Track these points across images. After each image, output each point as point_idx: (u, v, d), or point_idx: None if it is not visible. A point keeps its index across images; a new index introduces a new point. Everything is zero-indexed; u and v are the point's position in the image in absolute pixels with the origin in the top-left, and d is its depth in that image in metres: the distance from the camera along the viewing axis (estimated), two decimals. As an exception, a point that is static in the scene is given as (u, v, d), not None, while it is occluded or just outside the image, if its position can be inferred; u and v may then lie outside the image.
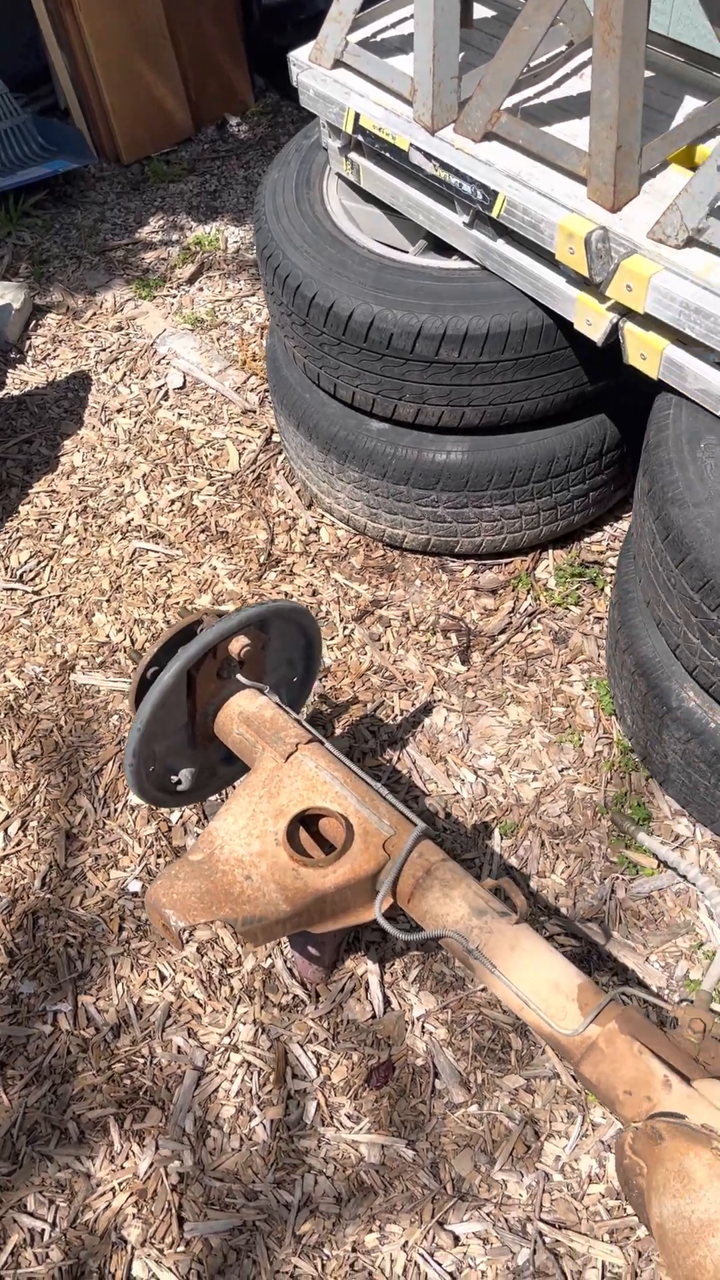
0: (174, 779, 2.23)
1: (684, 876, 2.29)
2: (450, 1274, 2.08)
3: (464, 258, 2.70)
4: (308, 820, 1.99)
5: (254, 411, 3.69)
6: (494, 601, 3.11)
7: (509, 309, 2.55)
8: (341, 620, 3.09)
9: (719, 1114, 1.55)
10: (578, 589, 3.12)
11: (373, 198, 2.85)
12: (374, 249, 2.76)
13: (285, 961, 2.47)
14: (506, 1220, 2.13)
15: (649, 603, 2.42)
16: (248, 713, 2.13)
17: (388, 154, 2.61)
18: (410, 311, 2.57)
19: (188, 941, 2.50)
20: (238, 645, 2.09)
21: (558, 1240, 2.10)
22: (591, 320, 2.38)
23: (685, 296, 2.12)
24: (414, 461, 2.88)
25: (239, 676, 2.16)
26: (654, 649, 2.49)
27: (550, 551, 3.20)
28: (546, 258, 2.43)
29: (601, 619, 3.04)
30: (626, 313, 2.31)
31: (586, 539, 3.23)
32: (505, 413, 2.74)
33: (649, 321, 2.27)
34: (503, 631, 3.05)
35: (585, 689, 2.91)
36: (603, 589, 3.11)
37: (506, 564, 3.18)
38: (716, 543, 2.08)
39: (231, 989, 2.44)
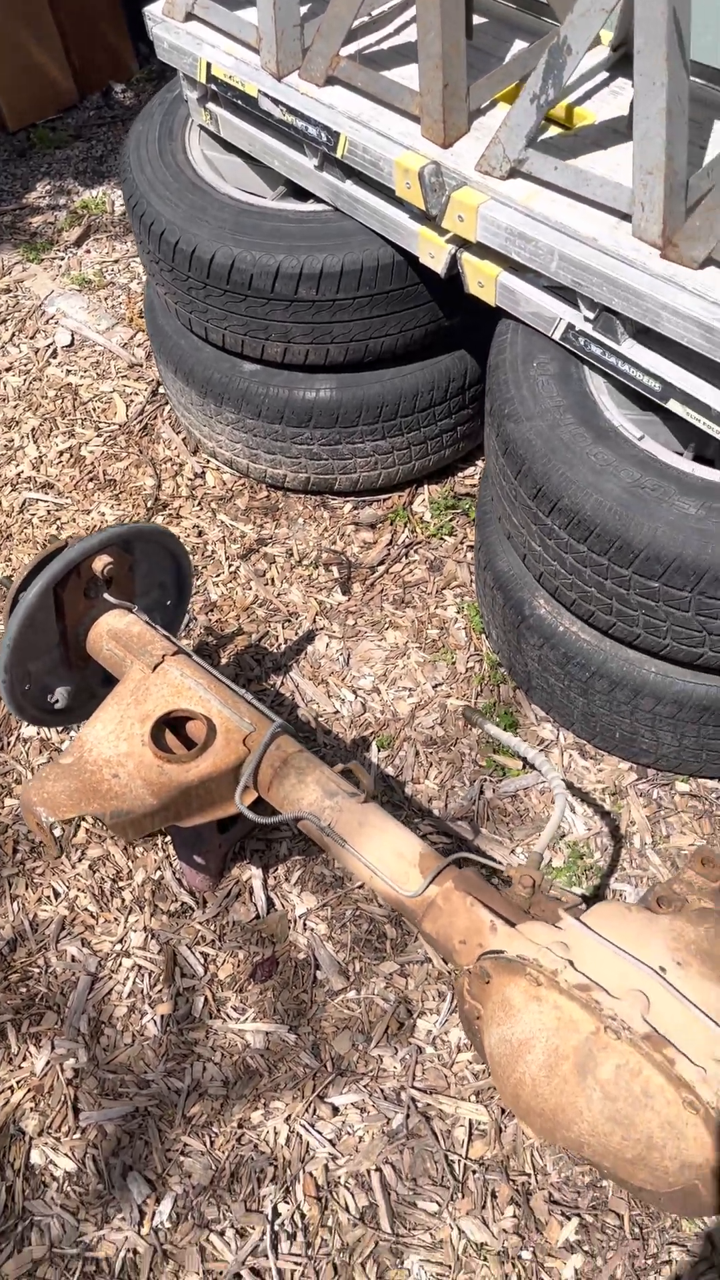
0: (51, 698, 2.35)
1: (524, 758, 2.45)
2: (330, 1141, 2.24)
3: (319, 201, 2.82)
4: (174, 723, 2.13)
5: (140, 365, 3.79)
6: (373, 535, 3.26)
7: (361, 247, 2.68)
8: (227, 558, 3.22)
9: (536, 947, 1.71)
10: (451, 520, 3.27)
11: (233, 146, 2.96)
12: (234, 195, 2.87)
13: (174, 873, 2.60)
14: (382, 1091, 2.29)
15: (500, 519, 2.59)
16: (116, 629, 2.26)
17: (240, 102, 2.72)
18: (268, 252, 2.69)
19: (65, 846, 2.62)
20: (101, 563, 2.21)
21: (429, 1104, 2.27)
22: (433, 253, 2.52)
23: (510, 223, 2.27)
24: (286, 400, 3.01)
25: (106, 596, 2.28)
26: (508, 564, 2.65)
27: (425, 486, 3.35)
28: (390, 195, 2.57)
29: (474, 547, 3.20)
30: (463, 243, 2.46)
31: (459, 474, 3.38)
32: (367, 349, 2.88)
33: (482, 250, 2.42)
34: (381, 563, 3.20)
35: (458, 612, 3.07)
36: (474, 519, 3.27)
37: (384, 500, 3.33)
38: (547, 452, 2.24)
39: (123, 900, 2.57)
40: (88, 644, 2.30)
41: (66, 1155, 2.23)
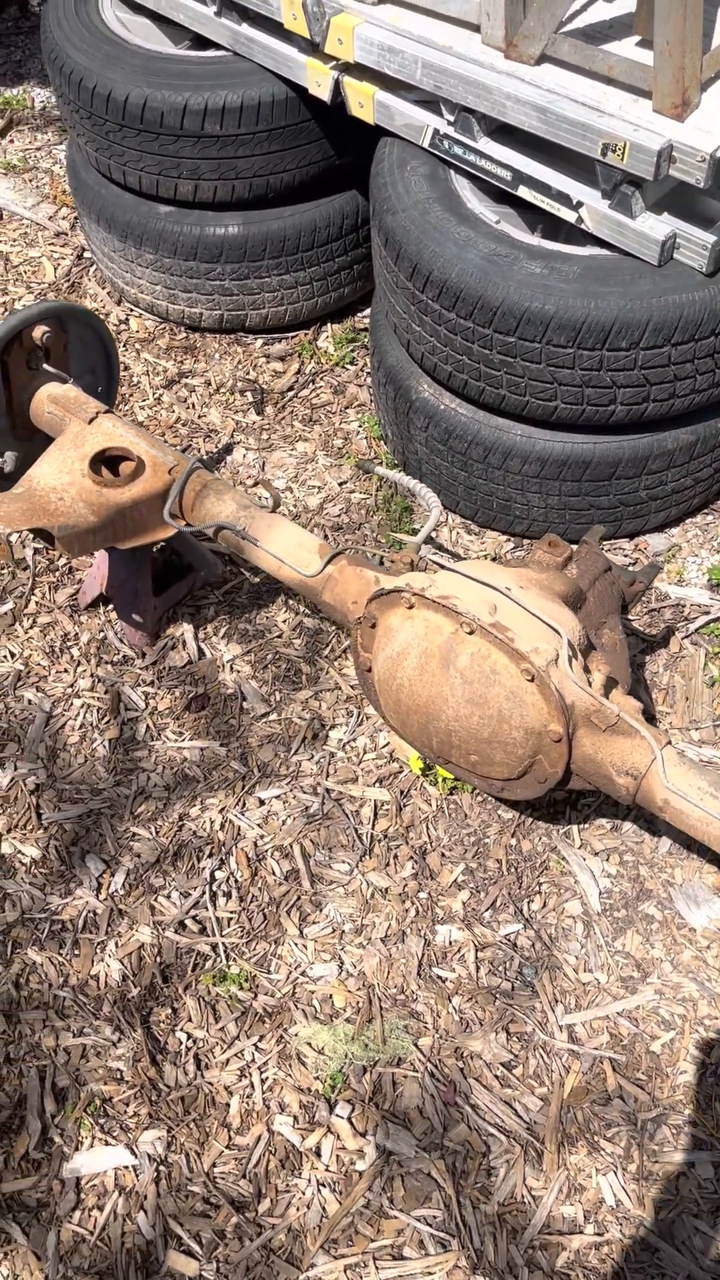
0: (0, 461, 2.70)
1: (406, 486, 2.82)
2: (258, 824, 2.65)
3: (220, 49, 3.19)
4: (109, 461, 2.50)
5: (66, 234, 4.12)
6: (283, 366, 3.64)
7: (258, 84, 3.06)
8: (152, 388, 3.58)
9: (409, 579, 2.12)
10: (351, 352, 3.67)
11: (140, 7, 3.31)
12: (144, 45, 3.23)
13: (115, 633, 2.98)
14: (300, 786, 2.71)
15: (387, 314, 2.99)
16: (55, 395, 2.62)
17: (145, -43, 3.07)
18: (176, 91, 3.05)
19: (16, 555, 2.98)
20: (40, 332, 2.57)
21: (340, 792, 2.69)
22: (320, 81, 2.91)
23: (381, 40, 2.67)
24: (198, 237, 3.38)
25: (46, 367, 2.64)
26: (396, 357, 3.06)
27: (329, 325, 3.74)
28: (281, 32, 2.95)
29: (369, 352, 3.61)
30: (345, 68, 2.85)
31: (358, 314, 3.78)
32: (269, 185, 3.26)
33: (360, 71, 2.81)
34: (290, 389, 3.59)
35: (359, 425, 3.48)
36: (369, 330, 3.68)
37: (292, 337, 3.71)
38: (419, 235, 2.65)
39: (71, 655, 2.94)
40: (31, 412, 2.66)
41: (32, 845, 2.61)
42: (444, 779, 2.65)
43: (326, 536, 3.19)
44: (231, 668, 2.92)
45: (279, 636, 2.98)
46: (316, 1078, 2.29)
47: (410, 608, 2.08)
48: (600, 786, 2.08)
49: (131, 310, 3.81)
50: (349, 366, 3.64)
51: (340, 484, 3.32)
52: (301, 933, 2.49)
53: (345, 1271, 2.06)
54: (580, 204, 2.56)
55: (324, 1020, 2.37)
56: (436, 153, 2.78)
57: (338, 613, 2.31)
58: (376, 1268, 2.06)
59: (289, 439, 3.45)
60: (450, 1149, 2.20)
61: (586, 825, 2.64)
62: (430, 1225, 2.11)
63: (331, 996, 2.40)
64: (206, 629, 2.99)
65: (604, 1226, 2.11)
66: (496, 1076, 2.30)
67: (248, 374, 3.62)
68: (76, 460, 2.46)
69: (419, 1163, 2.18)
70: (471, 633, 2.00)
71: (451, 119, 2.68)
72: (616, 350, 2.54)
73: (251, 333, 3.70)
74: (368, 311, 3.80)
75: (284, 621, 3.01)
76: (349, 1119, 2.24)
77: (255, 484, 2.47)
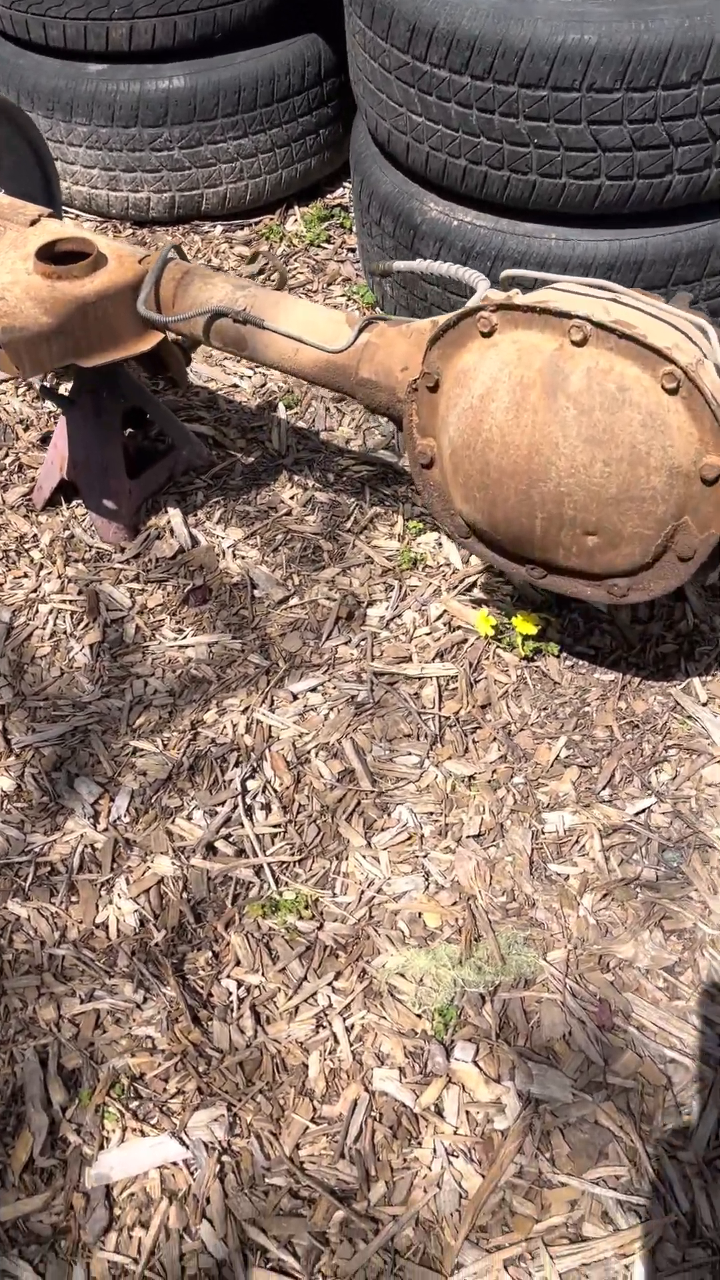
0: None
1: (441, 274, 2.30)
2: (293, 721, 2.06)
3: None
4: (61, 259, 1.95)
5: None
6: (249, 250, 3.15)
7: None
8: (99, 286, 3.06)
9: (486, 294, 1.58)
10: (326, 231, 3.19)
11: None
12: None
13: (85, 529, 2.40)
14: (341, 674, 2.13)
15: (375, 129, 2.51)
16: (-14, 204, 2.08)
17: None
18: None
19: None
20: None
21: (394, 674, 2.12)
22: None
23: None
24: (139, 95, 2.90)
25: (-29, 173, 2.11)
26: (391, 182, 2.58)
27: (296, 207, 3.27)
28: None
29: (353, 250, 3.13)
30: None
31: (328, 194, 3.32)
32: (216, 21, 2.80)
33: None
34: (260, 272, 3.08)
35: (347, 298, 2.98)
36: (350, 227, 3.20)
37: (255, 222, 3.23)
38: (414, -10, 2.18)
39: (31, 559, 2.36)
40: (-42, 232, 2.11)
41: (3, 775, 1.99)
42: (524, 636, 2.09)
43: (328, 409, 2.67)
44: (235, 553, 2.35)
45: (288, 514, 2.42)
46: (420, 1015, 1.68)
47: (490, 333, 1.55)
48: (771, 547, 1.54)
49: (66, 213, 3.30)
50: (325, 246, 3.16)
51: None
52: (369, 842, 1.90)
53: (506, 1268, 1.43)
54: None
55: (417, 944, 1.76)
56: None
57: (382, 392, 1.77)
58: (551, 1256, 1.44)
59: (267, 321, 2.93)
60: (619, 1086, 1.59)
61: (710, 677, 2.09)
62: (615, 1189, 1.49)
63: (421, 915, 1.80)
64: (197, 515, 2.43)
65: None
66: (661, 987, 1.70)
67: (209, 261, 3.12)
68: (19, 260, 1.91)
69: (580, 1108, 1.57)
70: (584, 341, 1.46)
71: None
72: (675, 88, 2.07)
73: (209, 219, 3.21)
74: (339, 192, 3.34)
75: (292, 498, 2.46)
76: (475, 1062, 1.62)
77: (254, 257, 1.96)
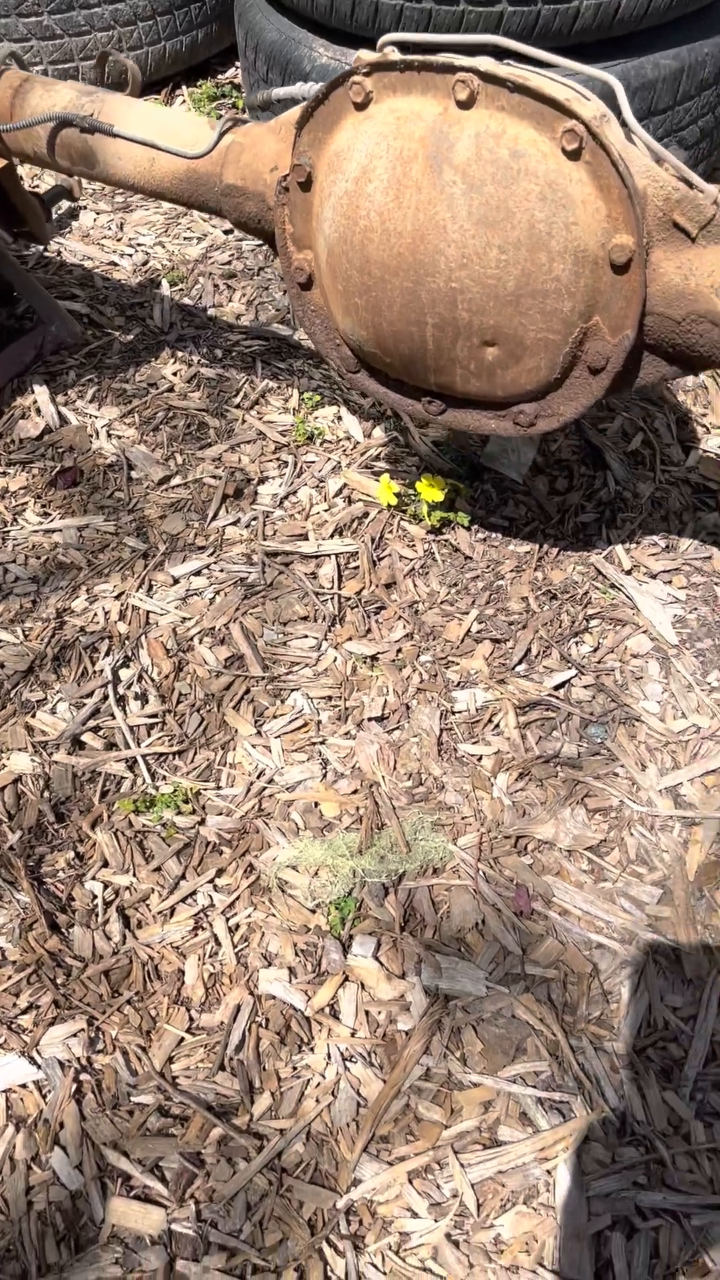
0: None
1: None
2: (174, 606, 1.83)
3: None
4: None
5: None
6: (132, 131, 2.88)
7: None
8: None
9: (359, 55, 1.36)
10: (217, 111, 2.94)
11: None
12: None
13: (-59, 413, 2.14)
14: (229, 556, 1.90)
15: (258, -35, 2.27)
16: None
17: None
18: None
19: None
20: None
21: (288, 553, 1.90)
22: None
23: None
24: (0, -50, 2.62)
25: None
26: (276, 29, 2.34)
27: (184, 87, 3.01)
28: None
29: (240, 54, 2.88)
30: None
31: (218, 74, 3.07)
32: None
33: None
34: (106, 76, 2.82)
35: (240, 178, 2.73)
36: (242, 108, 2.95)
37: (140, 103, 2.96)
38: None
39: None
40: None
41: None
42: (430, 505, 1.88)
43: (216, 286, 2.43)
44: (109, 433, 2.11)
45: (170, 391, 2.18)
46: (314, 910, 1.47)
47: (364, 104, 1.32)
48: (692, 344, 1.34)
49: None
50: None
51: (227, 233, 2.56)
52: (260, 731, 1.68)
53: (412, 1180, 1.24)
54: None
55: (313, 836, 1.55)
56: None
57: (251, 200, 1.53)
58: (462, 1164, 1.24)
59: (149, 204, 2.68)
60: (539, 976, 1.40)
61: (634, 544, 1.90)
62: (534, 1086, 1.30)
63: (318, 805, 1.59)
64: (68, 394, 2.18)
65: None
66: (585, 869, 1.51)
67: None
68: None
69: (495, 1001, 1.38)
70: (471, 101, 1.25)
71: None
72: None
73: (88, 99, 2.93)
74: (230, 73, 3.08)
75: (175, 374, 2.22)
76: (376, 958, 1.42)
77: (101, 56, 1.74)
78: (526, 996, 1.38)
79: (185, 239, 2.55)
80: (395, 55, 1.29)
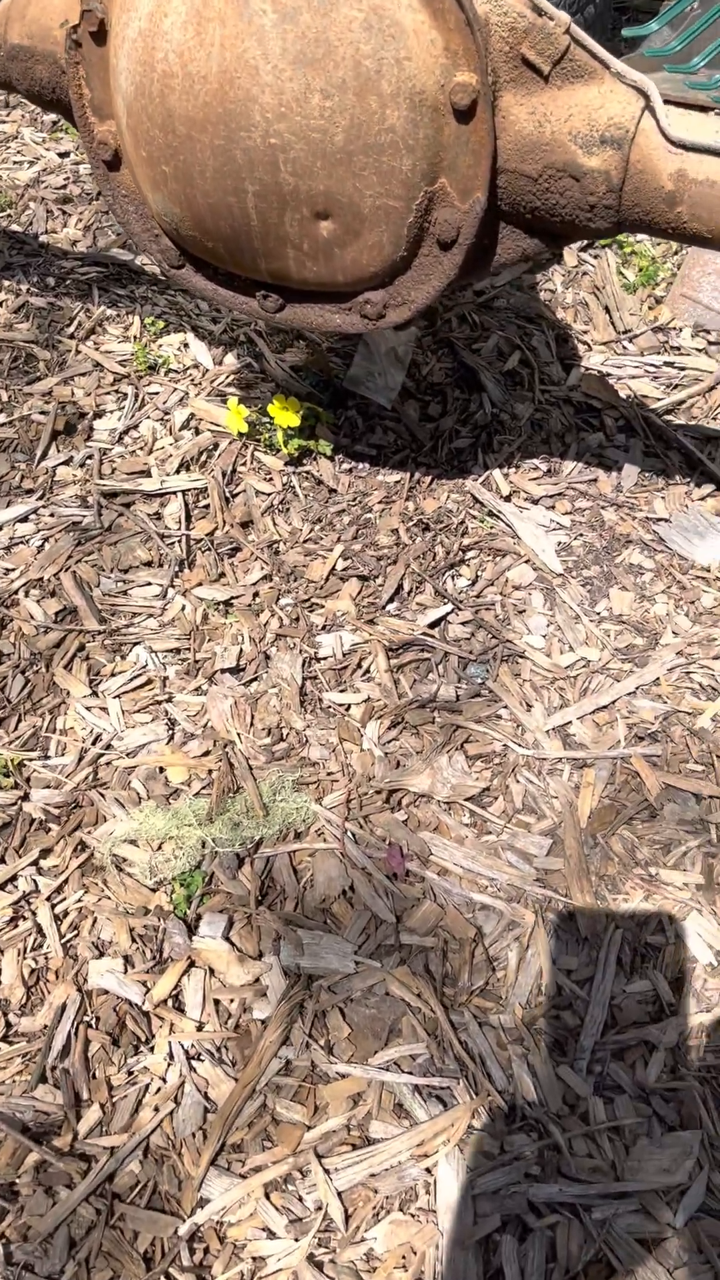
0: None
1: None
2: (9, 528, 1.60)
3: None
4: None
5: None
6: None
7: None
8: None
9: None
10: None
11: None
12: None
13: None
14: (60, 499, 1.68)
15: None
16: None
17: None
18: None
19: None
20: None
21: (128, 492, 1.68)
22: None
23: None
24: None
25: None
26: None
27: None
28: None
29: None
30: None
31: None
32: None
33: None
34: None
35: (79, 100, 2.49)
36: None
37: None
38: None
39: None
40: None
41: None
42: (287, 433, 1.68)
43: (50, 212, 2.19)
44: None
45: (-6, 328, 1.94)
46: (155, 888, 1.26)
47: None
48: (552, 206, 1.16)
49: None
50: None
51: (62, 156, 2.32)
52: (95, 691, 1.46)
53: (269, 1194, 1.04)
54: None
55: (156, 805, 1.35)
56: None
57: (41, 62, 1.31)
58: (327, 1170, 1.06)
59: (-19, 128, 2.42)
60: (416, 946, 1.22)
61: (512, 469, 1.73)
62: (411, 1072, 1.12)
63: (163, 770, 1.39)
64: None
65: (705, 997, 1.18)
66: (466, 822, 1.33)
67: None
68: None
69: (365, 978, 1.19)
70: None
71: None
72: None
73: None
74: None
75: (0, 304, 1.98)
76: (227, 938, 1.22)
77: None
78: (401, 970, 1.19)
79: (15, 163, 2.30)
80: None
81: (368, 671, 1.49)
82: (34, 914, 1.24)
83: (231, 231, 1.22)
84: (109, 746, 1.41)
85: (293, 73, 1.08)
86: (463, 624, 1.54)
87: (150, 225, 1.34)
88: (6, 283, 2.01)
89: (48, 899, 1.26)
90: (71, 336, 1.91)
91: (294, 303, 1.33)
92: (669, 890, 1.25)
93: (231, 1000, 1.17)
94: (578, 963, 1.20)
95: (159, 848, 1.30)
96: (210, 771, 1.38)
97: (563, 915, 1.24)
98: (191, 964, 1.20)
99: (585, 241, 2.08)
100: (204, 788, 1.37)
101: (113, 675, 1.49)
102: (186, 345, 1.90)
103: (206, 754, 1.40)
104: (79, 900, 1.26)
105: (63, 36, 1.25)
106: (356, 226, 1.18)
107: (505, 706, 1.45)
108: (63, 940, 1.22)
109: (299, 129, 1.10)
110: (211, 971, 1.20)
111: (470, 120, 1.09)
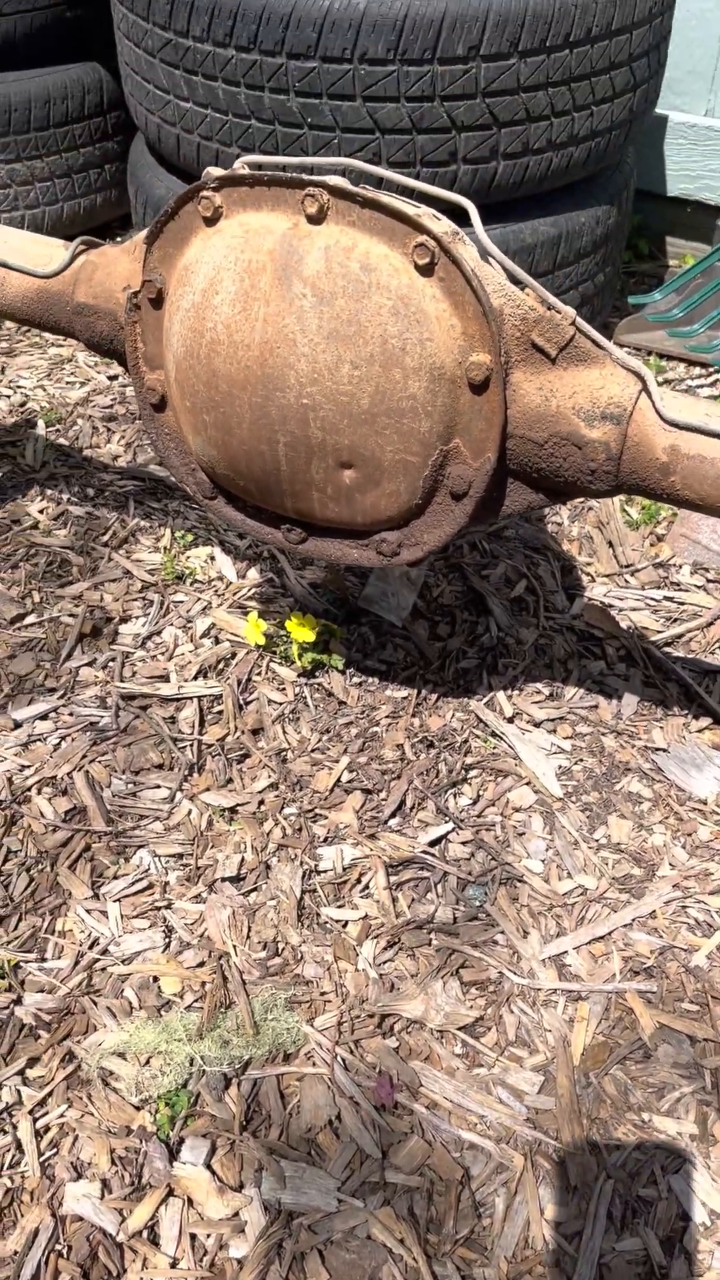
0: None
1: None
2: (14, 753, 1.65)
3: None
4: None
5: None
6: (25, 283, 2.88)
7: None
8: None
9: (207, 173, 1.32)
10: (114, 267, 2.96)
11: None
12: None
13: None
14: (80, 699, 1.75)
15: (145, 125, 2.31)
16: None
17: None
18: None
19: None
20: None
21: (146, 695, 1.75)
22: None
23: None
24: None
25: None
26: (165, 186, 2.36)
27: (82, 246, 3.03)
28: None
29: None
30: None
31: (118, 236, 3.11)
32: (-20, 32, 2.60)
33: None
34: (37, 304, 2.81)
35: (131, 329, 2.72)
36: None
37: (36, 258, 2.97)
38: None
39: None
40: None
41: None
42: (301, 646, 1.76)
43: (95, 428, 2.36)
44: (-36, 570, 1.97)
45: (34, 528, 2.07)
46: (140, 1106, 1.25)
47: (214, 219, 1.27)
48: (556, 469, 1.27)
49: None
50: (111, 282, 2.91)
51: (111, 379, 2.52)
52: (97, 893, 1.48)
53: None
54: None
55: (148, 1016, 1.34)
56: None
57: (103, 319, 1.46)
58: None
59: (38, 345, 2.64)
60: (401, 1185, 1.19)
61: (515, 691, 1.79)
62: (390, 1330, 1.07)
63: (157, 980, 1.39)
64: None
65: (697, 1261, 1.14)
66: (458, 1053, 1.32)
67: (-20, 293, 2.82)
68: None
69: (348, 1218, 1.16)
70: (321, 216, 1.20)
71: None
72: (452, 62, 1.93)
73: (-18, 251, 2.93)
74: (132, 236, 3.13)
75: (41, 511, 2.11)
76: (208, 1165, 1.20)
77: None
78: (385, 1211, 1.16)
79: (68, 383, 2.49)
80: (245, 169, 1.24)
81: (367, 887, 1.50)
82: (14, 1128, 1.22)
83: (263, 474, 1.33)
84: (105, 951, 1.42)
85: (326, 346, 1.20)
86: (463, 843, 1.57)
87: (189, 461, 1.45)
88: (50, 491, 2.15)
89: (30, 1112, 1.24)
90: (106, 544, 2.03)
91: (315, 536, 1.43)
92: (662, 1139, 1.23)
93: (209, 1235, 1.14)
94: (567, 1214, 1.16)
95: (147, 1062, 1.29)
96: (204, 984, 1.38)
97: (552, 1159, 1.21)
98: (170, 1192, 1.17)
99: (592, 479, 2.22)
100: (196, 1000, 1.36)
101: (115, 878, 1.51)
102: (213, 558, 2.01)
103: (201, 964, 1.41)
104: (61, 1115, 1.24)
105: (124, 299, 1.40)
106: (377, 476, 1.28)
107: (502, 932, 1.46)
108: (41, 1158, 1.20)
109: (329, 392, 1.22)
110: (190, 1202, 1.16)
111: (484, 393, 1.21)
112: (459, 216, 1.28)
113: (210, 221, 1.27)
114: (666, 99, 2.79)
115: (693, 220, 2.89)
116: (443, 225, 1.17)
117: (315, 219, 1.20)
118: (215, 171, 1.25)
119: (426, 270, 1.18)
